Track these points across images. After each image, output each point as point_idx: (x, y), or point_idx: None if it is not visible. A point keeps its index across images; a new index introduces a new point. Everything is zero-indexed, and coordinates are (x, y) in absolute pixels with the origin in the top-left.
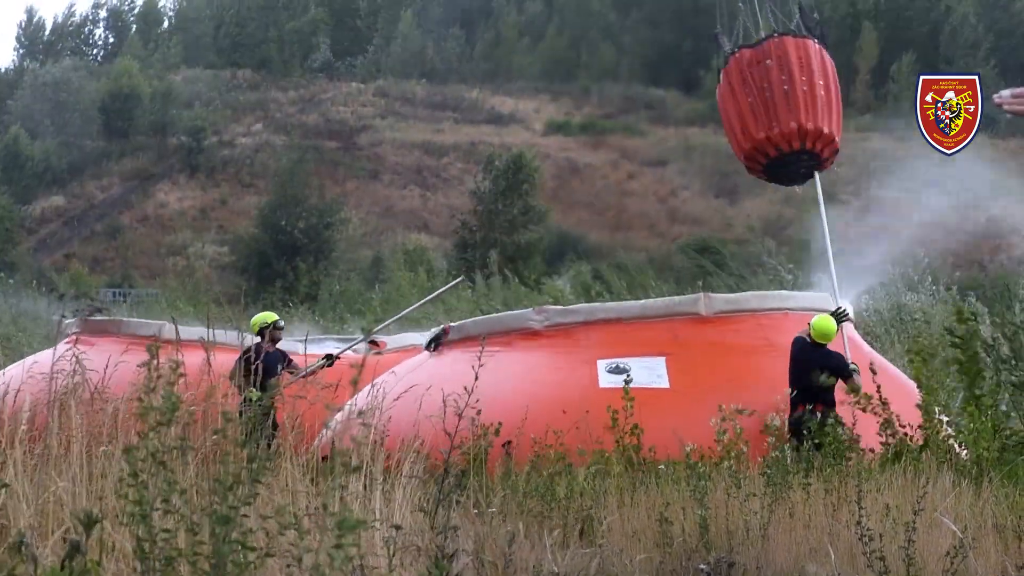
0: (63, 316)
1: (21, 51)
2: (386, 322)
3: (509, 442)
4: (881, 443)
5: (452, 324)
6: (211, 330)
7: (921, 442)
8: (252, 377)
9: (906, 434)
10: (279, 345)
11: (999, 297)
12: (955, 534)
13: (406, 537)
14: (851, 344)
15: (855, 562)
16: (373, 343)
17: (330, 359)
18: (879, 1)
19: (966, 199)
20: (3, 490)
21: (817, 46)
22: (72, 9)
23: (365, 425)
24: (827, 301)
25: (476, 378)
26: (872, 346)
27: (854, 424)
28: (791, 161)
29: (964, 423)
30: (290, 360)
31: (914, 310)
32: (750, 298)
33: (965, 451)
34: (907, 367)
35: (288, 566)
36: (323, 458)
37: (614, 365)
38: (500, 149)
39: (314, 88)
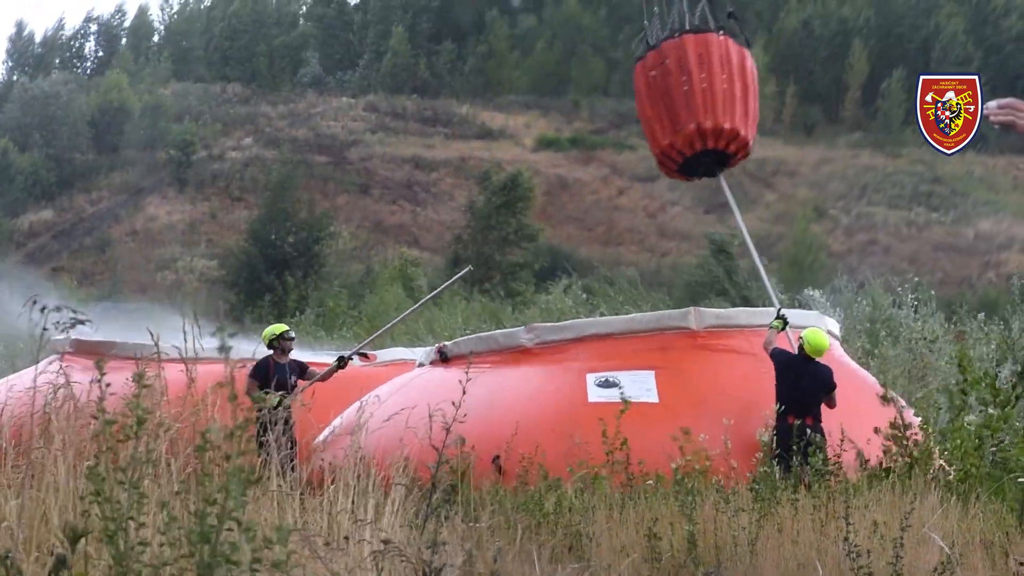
0: (44, 330)
1: (10, 64)
2: (391, 324)
3: (498, 456)
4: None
5: (446, 343)
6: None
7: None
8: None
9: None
10: (292, 355)
11: (989, 315)
12: (943, 550)
13: (395, 552)
14: (836, 361)
15: None
16: (363, 355)
17: (341, 361)
18: (869, 18)
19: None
20: None
21: (722, 38)
22: (62, 22)
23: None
24: (816, 319)
25: (464, 392)
26: (858, 361)
27: (842, 440)
28: (701, 160)
29: (951, 440)
30: (305, 368)
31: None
32: (739, 314)
33: (952, 467)
34: (890, 383)
35: None
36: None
37: (603, 379)
38: (491, 164)
39: (304, 102)
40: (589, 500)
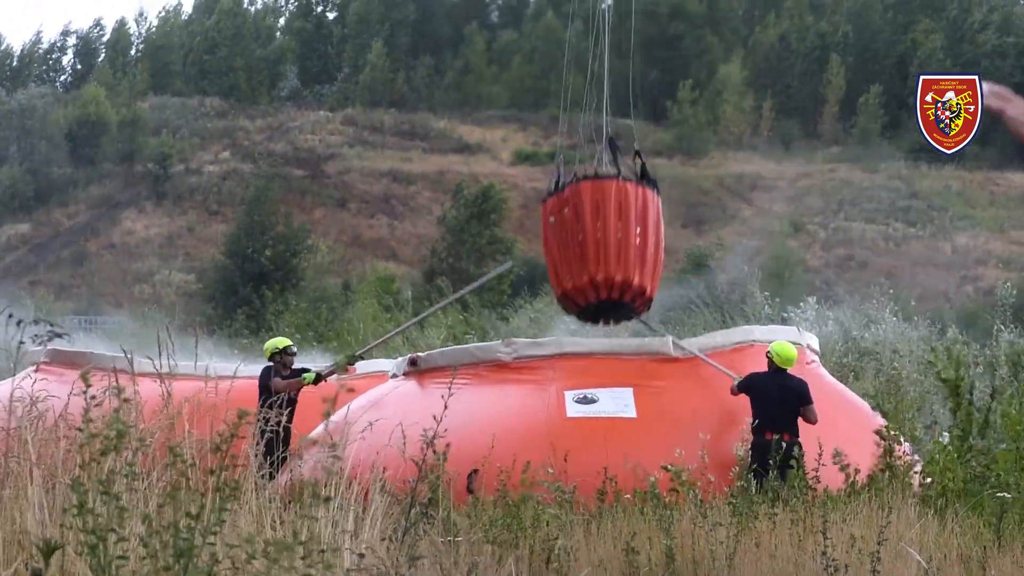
0: (21, 343)
1: None
2: (404, 325)
3: (476, 471)
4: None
5: (420, 354)
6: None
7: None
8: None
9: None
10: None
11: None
12: (920, 564)
13: (371, 565)
14: (813, 376)
15: None
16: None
17: (352, 359)
18: (847, 34)
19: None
20: None
21: (621, 184)
22: (40, 36)
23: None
24: (792, 333)
25: (445, 407)
26: (836, 375)
27: (819, 455)
28: (604, 307)
29: (930, 454)
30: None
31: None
32: (716, 336)
33: (929, 480)
34: (871, 398)
35: None
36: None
37: (581, 395)
38: (468, 178)
39: (282, 116)
40: (567, 514)
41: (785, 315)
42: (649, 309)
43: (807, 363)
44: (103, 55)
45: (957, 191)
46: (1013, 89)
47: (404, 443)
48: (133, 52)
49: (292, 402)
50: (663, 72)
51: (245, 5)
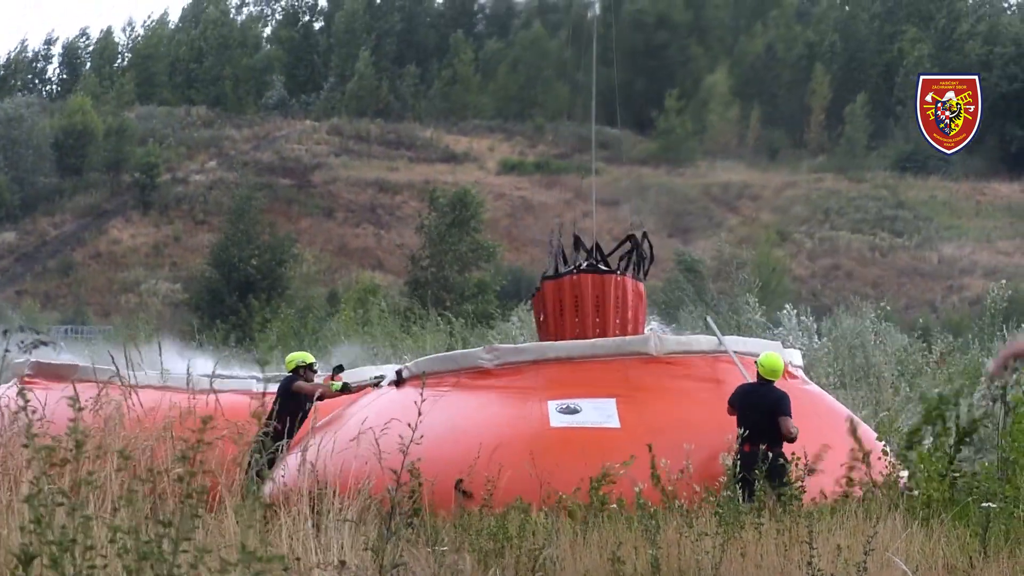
0: (6, 351)
1: None
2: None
3: (461, 480)
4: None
5: (407, 365)
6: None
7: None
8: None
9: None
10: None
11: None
12: (906, 574)
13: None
14: (797, 391)
15: None
16: (330, 377)
17: (380, 378)
18: (833, 42)
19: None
20: None
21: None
22: (25, 44)
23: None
24: (776, 347)
25: (420, 414)
26: (822, 385)
27: (806, 465)
28: None
29: (915, 464)
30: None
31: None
32: (700, 340)
33: (916, 491)
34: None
35: None
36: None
37: (565, 405)
38: (454, 188)
39: (268, 125)
40: (553, 524)
41: (771, 328)
42: None
43: (790, 379)
44: (88, 64)
45: (943, 201)
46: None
47: (379, 452)
48: (120, 62)
49: (305, 412)
50: (649, 81)
51: (232, 15)
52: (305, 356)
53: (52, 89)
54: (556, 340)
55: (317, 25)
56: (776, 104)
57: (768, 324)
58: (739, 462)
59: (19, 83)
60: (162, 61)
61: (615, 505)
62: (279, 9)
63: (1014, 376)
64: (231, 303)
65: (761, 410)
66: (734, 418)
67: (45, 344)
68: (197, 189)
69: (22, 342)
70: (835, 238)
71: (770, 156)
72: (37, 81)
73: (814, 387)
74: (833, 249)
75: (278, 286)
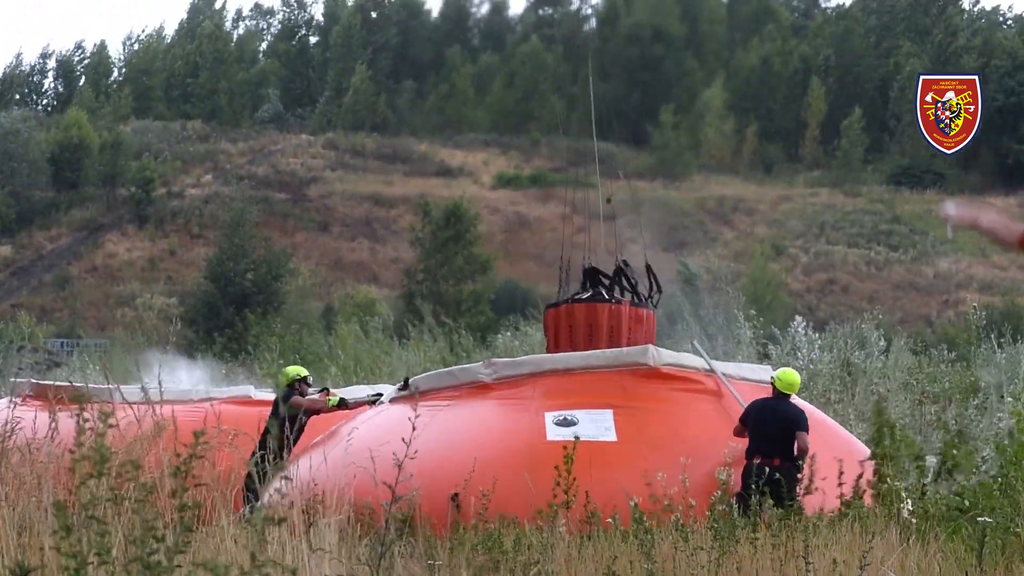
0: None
1: None
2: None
3: (456, 494)
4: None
5: (412, 378)
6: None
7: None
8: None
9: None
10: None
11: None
12: None
13: None
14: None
15: None
16: (324, 391)
17: (378, 396)
18: (828, 57)
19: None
20: None
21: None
22: (20, 59)
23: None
24: (767, 371)
25: (414, 429)
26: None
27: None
28: None
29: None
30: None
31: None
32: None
33: (911, 506)
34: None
35: None
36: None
37: (562, 418)
38: (449, 202)
39: (264, 139)
40: (548, 538)
41: (765, 344)
42: None
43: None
44: (84, 79)
45: (939, 215)
46: (997, 112)
47: (374, 468)
48: (115, 75)
49: (302, 427)
50: (645, 95)
51: (227, 29)
52: (299, 370)
53: (48, 103)
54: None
55: (313, 39)
56: (772, 118)
57: (764, 340)
58: (751, 475)
59: (16, 97)
60: (158, 75)
61: (610, 520)
62: (275, 23)
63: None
64: (226, 316)
65: (778, 424)
66: (733, 430)
67: (58, 365)
68: (193, 203)
69: (36, 363)
70: (831, 252)
71: (766, 170)
72: (34, 95)
73: (805, 404)
74: (829, 263)
75: (274, 300)
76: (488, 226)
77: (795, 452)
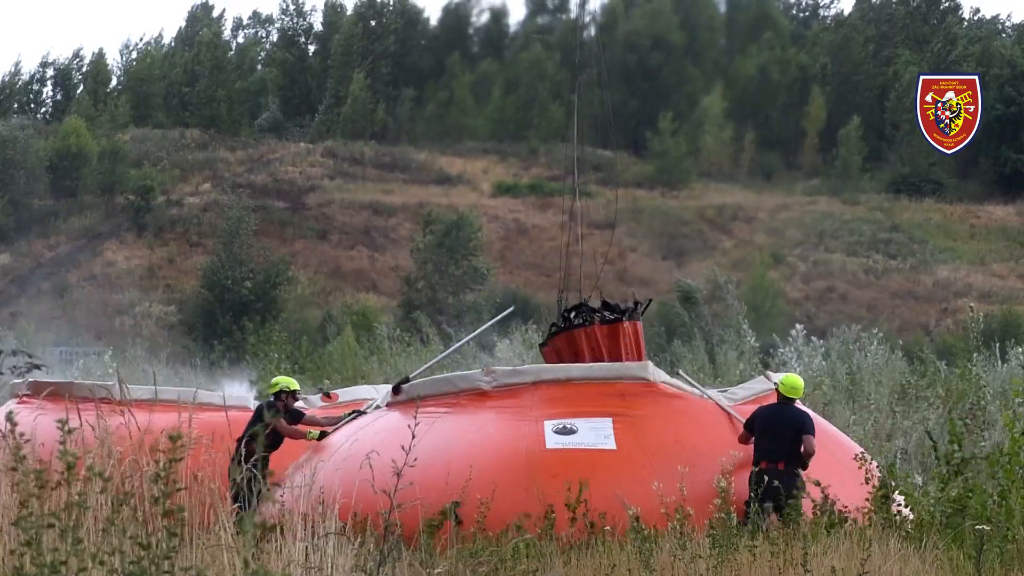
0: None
1: None
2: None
3: (457, 503)
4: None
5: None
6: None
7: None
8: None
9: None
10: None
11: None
12: None
13: None
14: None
15: None
16: (326, 395)
17: (355, 415)
18: (827, 65)
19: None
20: None
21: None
22: (18, 67)
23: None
24: (760, 381)
25: (413, 436)
26: (821, 412)
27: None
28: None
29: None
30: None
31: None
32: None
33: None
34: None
35: None
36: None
37: (561, 426)
38: (448, 210)
39: (263, 148)
40: (547, 546)
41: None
42: None
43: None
44: (82, 87)
45: (938, 224)
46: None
47: (372, 475)
48: (114, 83)
49: (276, 446)
50: (643, 103)
51: (226, 37)
52: (290, 382)
53: (47, 111)
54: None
55: (312, 48)
56: (771, 126)
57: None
58: (758, 480)
59: (14, 105)
60: (156, 83)
61: (609, 527)
62: (274, 32)
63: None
64: (224, 324)
65: (786, 429)
66: (734, 438)
67: (38, 367)
68: (191, 211)
69: (15, 366)
70: (829, 260)
71: (764, 178)
72: (32, 103)
73: (807, 410)
74: (827, 272)
75: (272, 308)
76: (487, 234)
77: (800, 455)
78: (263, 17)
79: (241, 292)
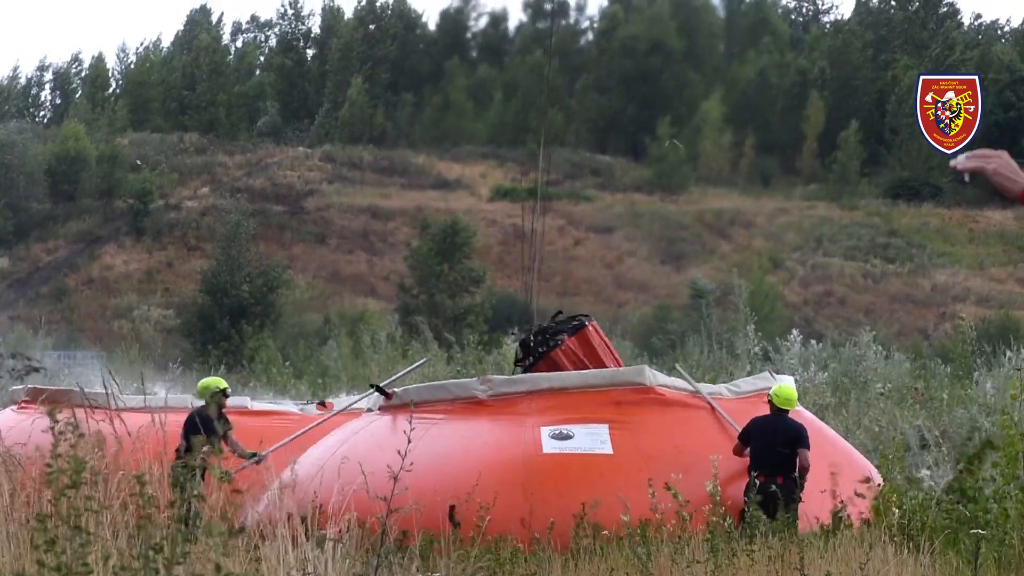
0: None
1: None
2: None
3: (453, 507)
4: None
5: (396, 390)
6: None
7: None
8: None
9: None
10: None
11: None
12: None
13: None
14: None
15: None
16: (321, 404)
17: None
18: (825, 70)
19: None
20: None
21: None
22: (17, 71)
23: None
24: (765, 379)
25: (409, 441)
26: (820, 415)
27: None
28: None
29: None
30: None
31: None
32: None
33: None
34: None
35: None
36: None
37: (557, 431)
38: (446, 215)
39: (261, 152)
40: (545, 551)
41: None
42: None
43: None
44: (80, 91)
45: (936, 228)
46: (994, 125)
47: (366, 481)
48: (112, 88)
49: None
50: (642, 108)
51: (225, 41)
52: (218, 382)
53: (45, 115)
54: None
55: (311, 52)
56: (769, 131)
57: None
58: (754, 491)
59: (13, 109)
60: (155, 88)
61: (606, 532)
62: (273, 36)
63: None
64: (222, 328)
65: (782, 441)
66: (732, 444)
67: (36, 370)
68: (190, 215)
69: (13, 369)
70: (828, 265)
71: (763, 183)
72: (31, 107)
73: (807, 413)
74: (826, 276)
75: (270, 312)
76: (484, 238)
77: (796, 469)
78: (262, 21)
79: (239, 296)
